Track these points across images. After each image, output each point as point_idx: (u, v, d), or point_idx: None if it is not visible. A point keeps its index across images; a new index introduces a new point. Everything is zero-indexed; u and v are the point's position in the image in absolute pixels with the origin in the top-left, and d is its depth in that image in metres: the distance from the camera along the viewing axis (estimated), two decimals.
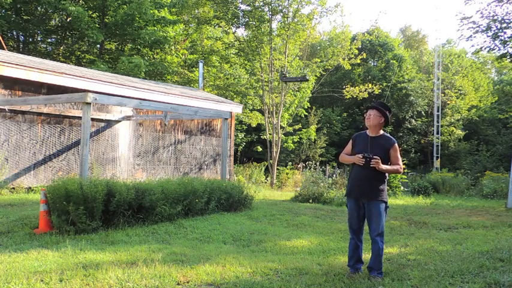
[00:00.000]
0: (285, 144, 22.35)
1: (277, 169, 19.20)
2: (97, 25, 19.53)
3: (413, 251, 5.85)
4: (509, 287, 3.99)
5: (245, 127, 23.62)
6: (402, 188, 15.16)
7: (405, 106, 28.37)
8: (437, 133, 25.56)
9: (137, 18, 19.44)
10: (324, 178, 13.61)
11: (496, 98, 30.32)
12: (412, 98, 28.21)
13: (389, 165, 4.45)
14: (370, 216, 4.43)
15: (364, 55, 21.73)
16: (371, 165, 4.30)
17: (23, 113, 10.03)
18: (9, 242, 5.69)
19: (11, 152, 9.82)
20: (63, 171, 10.77)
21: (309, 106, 24.20)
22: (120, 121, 12.10)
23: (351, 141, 4.69)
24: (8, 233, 6.14)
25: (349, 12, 52.56)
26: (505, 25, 14.87)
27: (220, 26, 20.76)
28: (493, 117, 29.15)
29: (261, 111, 21.33)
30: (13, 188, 9.80)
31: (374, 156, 4.31)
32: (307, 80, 18.82)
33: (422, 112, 29.03)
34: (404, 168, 15.57)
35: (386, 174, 4.50)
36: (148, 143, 12.89)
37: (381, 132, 4.56)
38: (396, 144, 4.50)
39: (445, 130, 28.03)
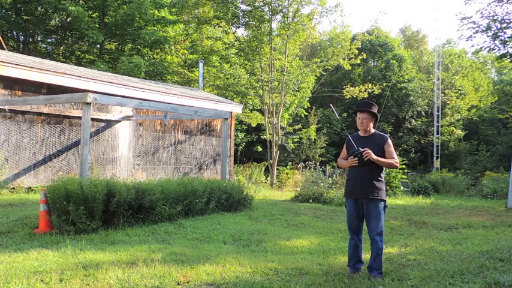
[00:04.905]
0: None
1: (277, 169, 19.19)
2: (97, 25, 19.52)
3: (413, 251, 5.85)
4: (509, 287, 3.99)
5: (245, 127, 23.58)
6: (402, 188, 15.14)
7: (405, 106, 28.36)
8: (437, 133, 25.55)
9: (137, 18, 19.42)
10: (324, 178, 13.61)
11: (496, 98, 30.31)
12: (412, 98, 28.19)
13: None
14: (369, 216, 4.45)
15: (364, 55, 21.72)
16: (365, 159, 4.34)
17: (23, 113, 10.03)
18: (9, 242, 5.69)
19: (11, 152, 9.82)
20: (63, 171, 10.76)
21: (309, 106, 24.17)
22: (120, 121, 12.09)
23: (345, 145, 4.74)
24: (8, 233, 6.14)
25: (349, 12, 52.71)
26: (505, 25, 14.88)
27: (220, 26, 20.74)
28: (493, 117, 29.13)
29: (261, 111, 21.31)
30: (13, 188, 9.80)
31: (361, 149, 4.36)
32: None
33: (422, 112, 29.01)
34: (404, 168, 15.73)
35: (383, 173, 4.53)
36: (148, 143, 12.89)
37: (372, 130, 4.62)
38: (389, 140, 4.57)
39: (445, 130, 28.02)
